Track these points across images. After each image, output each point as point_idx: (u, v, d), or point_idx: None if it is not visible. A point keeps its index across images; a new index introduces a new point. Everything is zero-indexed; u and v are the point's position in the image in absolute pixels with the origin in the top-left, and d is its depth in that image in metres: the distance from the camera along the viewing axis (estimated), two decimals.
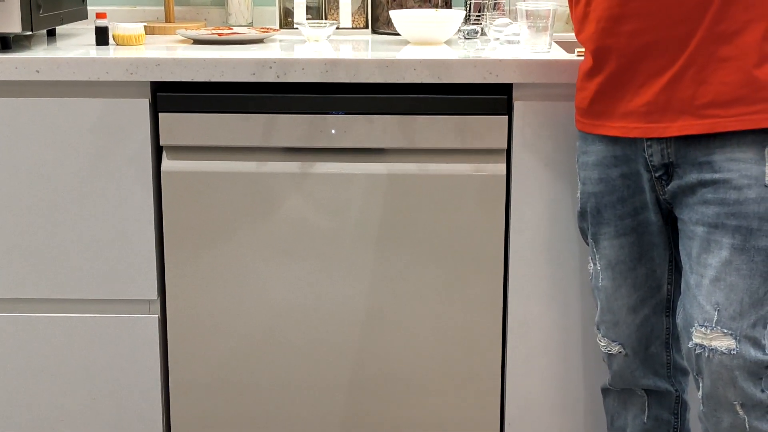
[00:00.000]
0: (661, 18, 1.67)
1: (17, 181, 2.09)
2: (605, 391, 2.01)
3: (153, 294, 2.13)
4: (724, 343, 1.65)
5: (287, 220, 2.09)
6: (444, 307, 2.12)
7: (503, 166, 2.06)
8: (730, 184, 1.65)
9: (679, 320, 1.74)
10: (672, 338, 1.90)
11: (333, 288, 2.12)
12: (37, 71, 2.02)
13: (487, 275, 2.10)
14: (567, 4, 2.54)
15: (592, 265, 1.89)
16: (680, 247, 1.76)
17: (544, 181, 2.06)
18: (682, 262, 1.75)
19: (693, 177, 1.70)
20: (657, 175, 1.75)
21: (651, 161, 1.74)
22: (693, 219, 1.70)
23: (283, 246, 2.10)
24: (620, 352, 1.89)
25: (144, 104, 2.05)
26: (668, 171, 1.74)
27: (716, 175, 1.67)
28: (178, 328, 2.15)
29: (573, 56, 2.04)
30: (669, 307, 1.88)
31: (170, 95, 2.05)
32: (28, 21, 2.10)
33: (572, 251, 2.08)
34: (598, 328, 1.91)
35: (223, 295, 2.13)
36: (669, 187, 1.75)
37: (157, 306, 2.15)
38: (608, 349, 1.90)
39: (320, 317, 2.13)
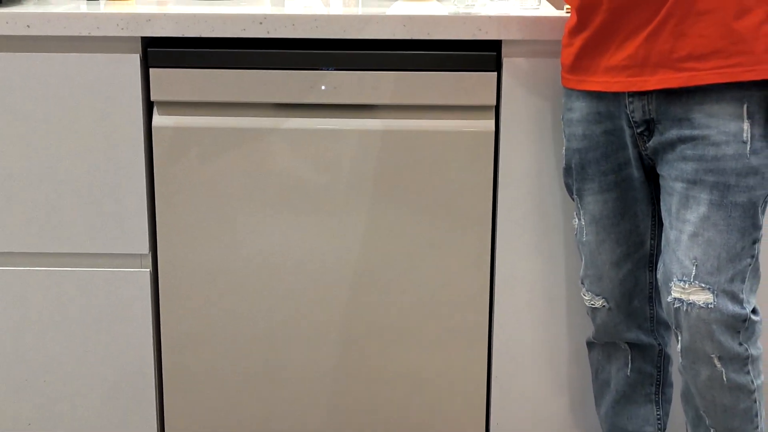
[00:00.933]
0: None
1: (7, 136, 2.10)
2: (590, 345, 2.05)
3: (145, 248, 2.16)
4: (701, 297, 1.68)
5: (277, 175, 2.11)
6: (433, 261, 2.14)
7: (492, 123, 2.08)
8: (709, 140, 1.67)
9: (659, 275, 1.76)
10: (655, 292, 1.93)
11: (323, 242, 2.14)
12: (28, 26, 2.03)
13: (476, 230, 2.12)
14: None
15: (576, 220, 1.92)
16: (661, 203, 1.78)
17: (533, 137, 2.07)
18: (663, 218, 1.77)
19: (673, 133, 1.71)
20: (639, 131, 1.77)
21: (632, 117, 1.76)
22: (672, 175, 1.72)
23: (274, 201, 2.12)
24: (604, 306, 1.92)
25: (135, 59, 2.06)
26: (649, 127, 1.76)
27: (695, 132, 1.68)
28: (170, 282, 2.17)
29: (562, 13, 2.04)
30: (652, 261, 1.90)
31: (161, 50, 2.06)
32: None
33: (559, 207, 2.10)
34: (582, 283, 1.94)
35: (214, 250, 2.15)
36: (650, 143, 1.77)
37: (149, 260, 2.17)
38: (592, 303, 1.93)
39: (311, 270, 2.16)
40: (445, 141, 2.08)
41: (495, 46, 2.05)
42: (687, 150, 1.70)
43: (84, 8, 2.10)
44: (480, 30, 2.01)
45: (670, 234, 1.74)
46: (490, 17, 2.01)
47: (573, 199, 1.92)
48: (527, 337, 2.18)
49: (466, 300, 2.16)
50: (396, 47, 2.05)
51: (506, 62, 2.04)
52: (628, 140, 1.79)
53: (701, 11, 1.65)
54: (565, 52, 1.84)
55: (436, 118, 2.08)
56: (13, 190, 2.13)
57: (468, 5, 2.17)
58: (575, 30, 1.79)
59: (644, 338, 1.97)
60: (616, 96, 1.76)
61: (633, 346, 1.99)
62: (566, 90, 1.87)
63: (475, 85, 2.05)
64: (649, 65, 1.70)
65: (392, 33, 2.02)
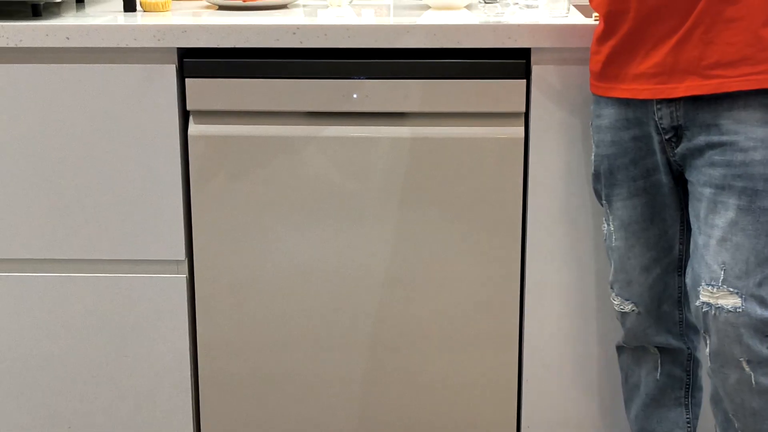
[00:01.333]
0: None
1: (48, 146, 2.15)
2: (619, 349, 2.06)
3: (181, 255, 2.19)
4: (730, 301, 1.69)
5: (311, 182, 2.14)
6: (463, 267, 2.16)
7: (521, 130, 2.10)
8: (737, 146, 1.68)
9: (687, 280, 1.78)
10: (684, 297, 1.94)
11: (356, 249, 2.17)
12: (67, 38, 2.07)
13: (506, 236, 2.14)
14: None
15: (606, 225, 1.93)
16: (689, 209, 1.79)
17: (562, 144, 2.09)
18: (691, 223, 1.78)
19: (701, 139, 1.73)
20: (667, 137, 1.78)
21: (661, 123, 1.77)
22: (701, 181, 1.74)
23: (307, 208, 2.15)
24: (633, 311, 1.94)
25: (171, 70, 2.10)
26: (677, 133, 1.77)
27: (723, 138, 1.70)
28: (206, 288, 2.21)
29: (590, 21, 2.06)
30: (681, 266, 1.92)
31: (196, 61, 2.10)
32: None
33: (588, 213, 2.12)
34: (611, 287, 1.96)
35: (248, 256, 2.18)
36: (678, 149, 1.78)
37: (185, 266, 2.21)
38: (622, 307, 1.95)
39: (343, 277, 2.19)
40: (475, 148, 2.10)
41: (524, 54, 2.07)
42: (715, 156, 1.71)
43: (121, 20, 2.15)
44: (509, 38, 2.03)
45: (698, 239, 1.75)
46: (519, 25, 2.03)
47: (602, 205, 1.94)
48: (557, 341, 2.19)
49: (496, 306, 2.18)
50: (427, 56, 2.07)
51: (535, 70, 2.06)
52: (657, 146, 1.81)
53: (729, 19, 1.67)
54: (593, 60, 1.86)
55: (466, 125, 2.10)
56: (51, 198, 2.17)
57: (497, 14, 2.19)
58: (603, 37, 1.81)
59: (673, 342, 1.98)
60: (645, 103, 1.78)
61: (662, 350, 2.00)
62: (595, 97, 1.89)
63: (505, 92, 2.08)
64: (678, 72, 1.72)
65: (423, 42, 2.04)
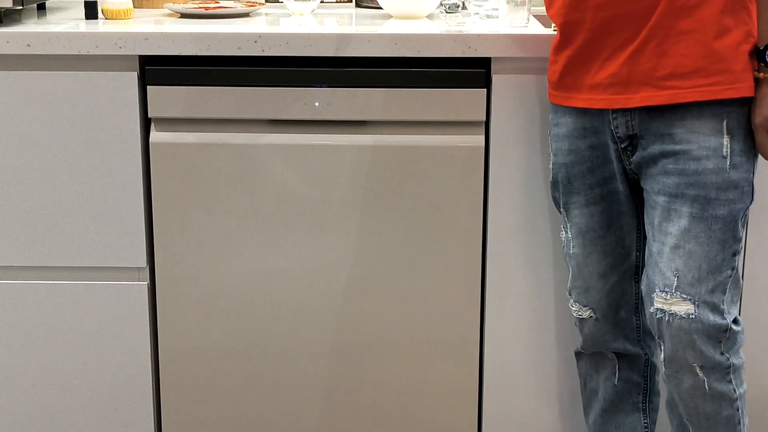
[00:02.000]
0: None
1: (8, 152, 2.14)
2: (578, 355, 2.09)
3: (142, 262, 2.19)
4: (683, 307, 1.72)
5: (273, 190, 2.15)
6: (425, 274, 2.18)
7: (482, 138, 2.12)
8: (690, 155, 1.71)
9: (642, 286, 1.80)
10: (640, 303, 1.97)
11: (317, 255, 2.18)
12: (28, 45, 2.07)
13: (466, 243, 2.16)
14: None
15: (563, 233, 1.96)
16: (645, 217, 1.82)
17: (522, 152, 2.12)
18: (646, 230, 1.81)
19: (655, 148, 1.76)
20: (622, 146, 1.81)
21: (616, 132, 1.80)
22: (655, 189, 1.77)
23: (269, 215, 2.16)
24: (591, 317, 1.96)
25: (132, 77, 2.10)
26: (633, 142, 1.80)
27: (677, 147, 1.73)
28: (167, 295, 2.21)
29: (550, 31, 2.09)
30: (638, 273, 1.94)
31: (158, 69, 2.10)
32: None
33: (547, 220, 2.14)
34: (570, 294, 1.98)
35: (210, 263, 2.19)
36: (634, 157, 1.81)
37: (147, 273, 2.21)
38: (580, 313, 1.97)
39: (305, 284, 2.19)
40: (436, 156, 2.12)
41: (484, 63, 2.09)
42: (669, 164, 1.74)
43: (83, 27, 2.14)
44: (469, 48, 2.05)
45: (652, 246, 1.78)
46: (479, 35, 2.05)
47: (560, 213, 1.96)
48: (518, 347, 2.21)
49: (457, 312, 2.19)
50: (388, 64, 2.09)
51: (495, 79, 2.08)
52: (613, 155, 1.84)
53: (682, 31, 1.70)
54: (551, 69, 1.89)
55: (426, 133, 2.12)
56: (12, 205, 2.17)
57: (458, 23, 2.22)
58: (559, 47, 1.84)
59: (631, 348, 2.00)
60: (601, 112, 1.81)
61: (620, 355, 2.02)
62: (553, 106, 1.91)
63: (465, 101, 2.10)
64: (633, 83, 1.74)
65: (384, 51, 2.06)
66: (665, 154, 1.74)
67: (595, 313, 1.95)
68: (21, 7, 2.16)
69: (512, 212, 2.14)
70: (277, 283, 2.19)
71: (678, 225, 1.73)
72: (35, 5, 2.42)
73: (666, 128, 1.74)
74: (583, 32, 1.78)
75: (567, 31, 1.81)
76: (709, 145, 1.71)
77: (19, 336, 2.23)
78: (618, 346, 1.99)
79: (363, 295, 2.19)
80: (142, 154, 2.14)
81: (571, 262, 1.95)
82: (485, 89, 2.09)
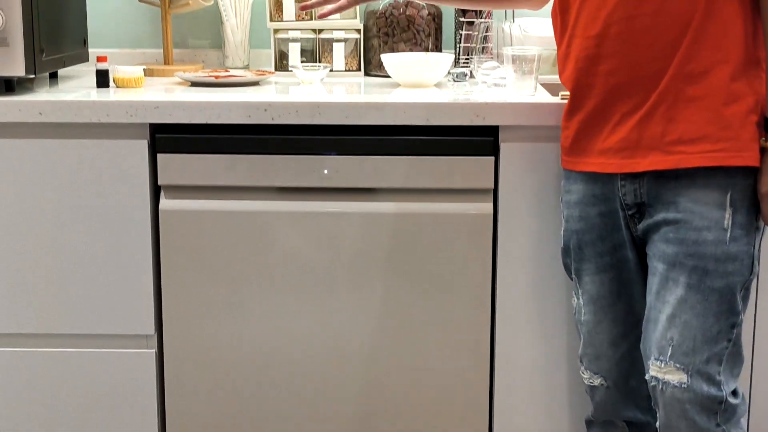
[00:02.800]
0: (635, 58, 1.74)
1: (20, 220, 2.15)
2: (588, 423, 2.07)
3: (150, 329, 2.19)
4: (676, 377, 1.73)
5: (281, 257, 2.15)
6: (434, 342, 2.17)
7: (490, 206, 2.12)
8: (691, 225, 1.72)
9: (642, 351, 1.80)
10: None
11: (327, 323, 2.17)
12: (40, 113, 2.09)
13: (476, 310, 2.15)
14: (552, 48, 2.62)
15: (575, 299, 1.95)
16: (648, 281, 1.82)
17: (530, 219, 2.12)
18: (646, 296, 1.81)
19: (660, 215, 1.76)
20: (630, 213, 1.82)
21: (624, 200, 1.81)
22: (656, 255, 1.77)
23: (278, 282, 2.16)
24: (602, 385, 1.95)
25: (143, 145, 2.11)
26: (640, 210, 1.80)
27: (679, 215, 1.73)
28: (175, 363, 2.20)
29: (557, 99, 2.11)
30: None
31: (168, 136, 2.12)
32: (31, 64, 2.17)
33: (557, 287, 2.14)
34: (581, 361, 1.97)
35: (219, 331, 2.18)
36: (640, 225, 1.81)
37: (155, 341, 2.20)
38: (591, 381, 1.96)
39: (316, 350, 2.18)
40: (445, 223, 2.12)
41: (492, 131, 2.10)
42: (670, 233, 1.75)
43: (94, 96, 2.17)
44: (477, 116, 2.07)
45: (650, 313, 1.79)
46: (487, 104, 2.07)
47: (572, 279, 1.96)
48: (527, 415, 2.19)
49: (466, 378, 2.18)
50: (396, 132, 2.10)
51: (503, 147, 2.10)
52: (622, 222, 1.84)
53: (691, 97, 1.71)
54: (563, 135, 1.90)
55: (435, 201, 2.13)
56: (23, 272, 2.17)
57: (466, 92, 2.23)
58: (571, 112, 1.85)
59: (641, 417, 1.99)
60: (611, 178, 1.81)
61: (630, 424, 2.00)
62: (565, 172, 1.92)
63: (474, 169, 2.11)
64: (642, 148, 1.75)
65: (393, 119, 2.07)
66: (668, 222, 1.75)
67: (606, 381, 1.94)
68: (33, 76, 2.19)
69: (521, 278, 2.14)
70: (287, 350, 2.18)
71: (675, 294, 1.73)
72: (47, 74, 2.45)
73: (672, 196, 1.75)
74: (594, 97, 1.79)
75: (578, 95, 1.82)
76: (711, 216, 1.71)
77: (27, 403, 2.22)
78: (629, 414, 1.98)
79: (372, 361, 2.18)
80: (151, 221, 2.15)
81: (583, 329, 1.94)
82: (493, 157, 2.10)
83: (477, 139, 2.10)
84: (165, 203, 2.14)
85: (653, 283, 1.78)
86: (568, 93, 2.12)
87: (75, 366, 2.20)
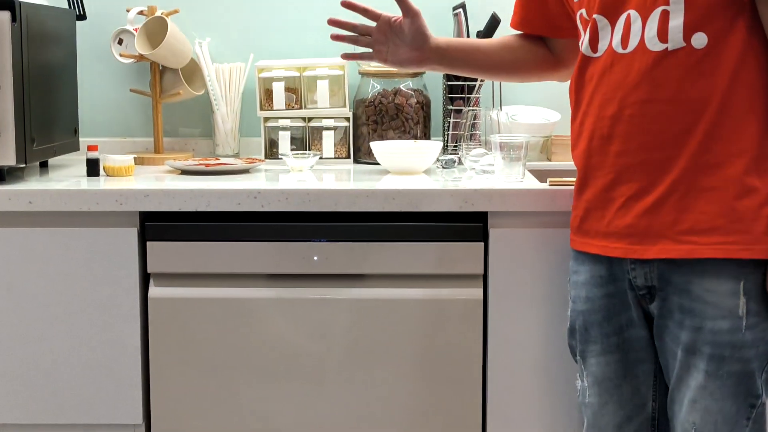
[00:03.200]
0: (646, 142, 1.74)
1: (8, 308, 2.14)
2: None
3: (138, 419, 2.17)
4: None
5: (272, 344, 2.14)
6: (426, 426, 2.15)
7: (480, 291, 2.12)
8: (706, 314, 1.73)
9: (670, 423, 1.84)
10: None
11: (317, 410, 2.15)
12: (30, 202, 2.10)
13: (467, 395, 2.14)
14: (540, 135, 2.66)
15: (579, 381, 1.93)
16: (662, 359, 1.83)
17: (520, 303, 2.12)
18: (668, 373, 1.82)
19: (674, 301, 1.76)
20: (641, 293, 1.82)
21: (635, 281, 1.81)
22: (674, 341, 1.78)
23: (267, 370, 2.15)
24: None
25: (133, 233, 2.12)
26: (651, 292, 1.80)
27: (694, 304, 1.74)
28: None
29: (545, 185, 2.12)
30: (654, 425, 1.91)
31: (158, 224, 2.12)
32: (22, 154, 2.19)
33: (547, 370, 2.13)
34: None
35: (208, 420, 2.16)
36: (652, 305, 1.81)
37: (143, 430, 2.18)
38: None
39: None
40: (435, 309, 2.12)
41: (481, 217, 2.11)
42: (686, 320, 1.75)
43: (84, 184, 2.18)
44: (466, 202, 2.08)
45: (673, 394, 1.80)
46: (475, 190, 2.08)
47: (576, 361, 1.94)
48: None
49: None
50: (386, 219, 2.11)
51: (492, 233, 2.10)
52: (632, 301, 1.83)
53: (705, 188, 1.72)
54: (573, 214, 1.89)
55: (425, 286, 2.13)
56: (8, 360, 2.15)
57: (455, 179, 2.25)
58: (580, 190, 1.85)
59: None
60: (619, 261, 1.81)
61: None
62: (574, 252, 1.91)
63: (463, 254, 2.11)
64: (650, 235, 1.75)
65: (382, 206, 2.09)
66: (682, 310, 1.75)
67: None
68: (24, 165, 2.20)
69: (512, 364, 2.13)
70: None
71: (696, 380, 1.75)
72: (38, 163, 2.46)
73: (684, 283, 1.75)
74: (603, 177, 1.80)
75: (588, 174, 1.83)
76: (724, 305, 1.72)
77: None
78: None
79: None
80: (140, 309, 2.14)
81: (587, 412, 1.91)
82: (482, 243, 2.11)
83: (466, 225, 2.11)
84: (154, 291, 2.14)
85: (674, 366, 1.79)
86: (557, 179, 2.15)
87: None
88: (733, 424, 1.74)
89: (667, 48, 1.71)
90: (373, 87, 2.61)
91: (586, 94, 1.84)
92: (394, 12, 2.06)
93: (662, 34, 1.72)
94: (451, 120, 2.55)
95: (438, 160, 2.43)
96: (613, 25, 1.78)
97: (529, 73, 2.16)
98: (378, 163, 2.43)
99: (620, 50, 1.76)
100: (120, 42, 2.66)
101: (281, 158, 2.51)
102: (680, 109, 1.72)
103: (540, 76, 2.16)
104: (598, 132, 1.80)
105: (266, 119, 2.63)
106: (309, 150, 2.60)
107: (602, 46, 1.80)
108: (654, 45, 1.72)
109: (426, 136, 2.61)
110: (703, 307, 1.73)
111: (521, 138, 2.16)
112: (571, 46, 2.02)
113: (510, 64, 2.12)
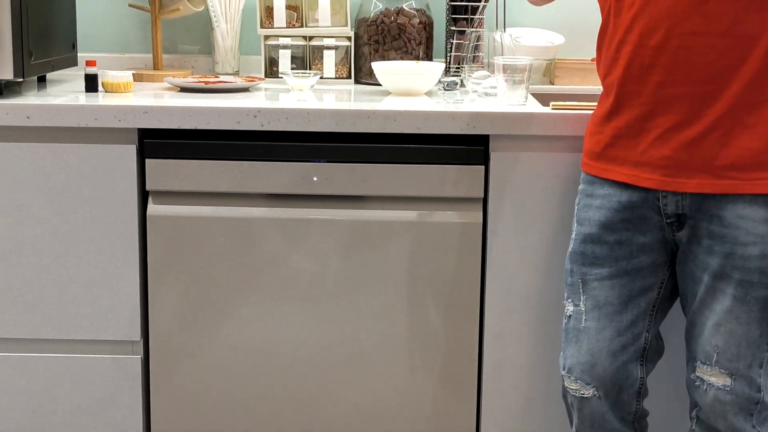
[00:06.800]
0: (689, 74, 1.72)
1: (6, 223, 2.13)
2: None
3: (136, 335, 2.18)
4: (720, 380, 1.81)
5: (270, 264, 2.14)
6: (422, 349, 2.16)
7: (480, 215, 2.12)
8: (737, 240, 1.74)
9: (687, 350, 1.88)
10: (643, 388, 1.94)
11: (314, 330, 2.16)
12: (28, 117, 2.08)
13: (464, 318, 2.15)
14: (542, 58, 2.63)
15: (572, 306, 1.92)
16: (683, 286, 1.85)
17: (519, 229, 2.12)
18: (687, 299, 1.85)
19: (703, 228, 1.77)
20: (668, 221, 1.81)
21: (665, 210, 1.80)
22: (700, 266, 1.79)
23: (265, 289, 2.15)
24: (594, 395, 1.91)
25: (131, 150, 2.10)
26: (680, 220, 1.80)
27: (725, 230, 1.75)
28: (161, 369, 2.18)
29: (548, 109, 2.10)
30: (644, 356, 1.92)
31: (157, 142, 2.11)
32: (19, 68, 2.16)
33: (546, 295, 2.14)
34: (570, 372, 1.93)
35: (205, 337, 2.17)
36: (679, 233, 1.81)
37: (141, 347, 2.19)
38: (581, 392, 1.92)
39: (301, 357, 2.18)
40: (434, 232, 2.12)
41: (483, 140, 2.10)
42: (715, 246, 1.76)
43: (83, 100, 2.16)
44: (468, 125, 2.06)
45: (695, 318, 1.83)
46: (477, 113, 2.06)
47: (570, 285, 1.92)
48: (513, 423, 2.19)
49: (454, 389, 2.17)
50: (386, 140, 2.10)
51: (494, 156, 2.09)
52: (654, 227, 1.83)
53: (749, 125, 1.71)
54: (593, 139, 1.87)
55: (425, 209, 2.12)
56: (6, 276, 2.16)
57: (457, 101, 2.23)
58: (608, 117, 1.83)
59: (626, 431, 1.97)
60: (647, 189, 1.81)
61: None
62: (588, 177, 1.89)
63: (464, 178, 2.10)
64: (688, 168, 1.75)
65: (383, 127, 2.07)
66: (711, 236, 1.76)
67: (597, 392, 1.92)
68: (21, 80, 2.18)
69: (510, 287, 2.14)
70: (274, 357, 2.17)
71: (722, 304, 1.78)
72: (36, 78, 2.44)
73: (716, 209, 1.75)
74: (639, 106, 1.78)
75: (621, 102, 1.80)
76: (757, 231, 1.73)
77: (11, 408, 2.20)
78: (615, 427, 1.96)
79: (358, 369, 2.18)
80: (138, 226, 2.13)
81: (581, 336, 1.91)
82: (483, 166, 2.10)
83: (467, 148, 2.10)
84: (153, 208, 2.13)
85: (697, 291, 1.82)
86: (559, 103, 2.12)
87: (60, 371, 2.19)
88: (755, 348, 1.78)
89: None
90: (376, 6, 2.57)
91: (623, 20, 1.79)
92: None
93: None
94: (454, 41, 2.52)
95: (440, 81, 2.41)
96: None
97: None
98: (379, 84, 2.41)
99: None
100: None
101: (281, 77, 2.49)
102: (731, 43, 1.70)
103: None
104: (638, 61, 1.76)
105: (266, 37, 2.60)
106: (309, 69, 2.57)
107: None
108: None
109: (428, 57, 2.59)
110: (735, 233, 1.74)
111: (524, 60, 2.14)
112: None
113: None
